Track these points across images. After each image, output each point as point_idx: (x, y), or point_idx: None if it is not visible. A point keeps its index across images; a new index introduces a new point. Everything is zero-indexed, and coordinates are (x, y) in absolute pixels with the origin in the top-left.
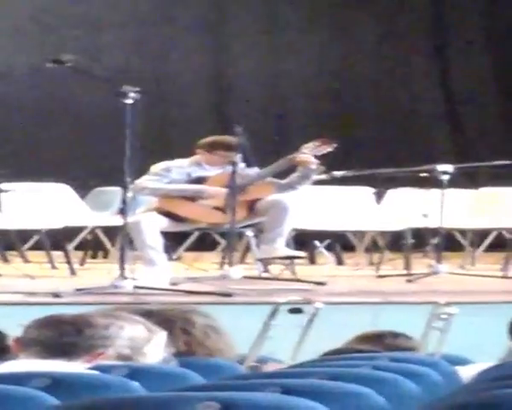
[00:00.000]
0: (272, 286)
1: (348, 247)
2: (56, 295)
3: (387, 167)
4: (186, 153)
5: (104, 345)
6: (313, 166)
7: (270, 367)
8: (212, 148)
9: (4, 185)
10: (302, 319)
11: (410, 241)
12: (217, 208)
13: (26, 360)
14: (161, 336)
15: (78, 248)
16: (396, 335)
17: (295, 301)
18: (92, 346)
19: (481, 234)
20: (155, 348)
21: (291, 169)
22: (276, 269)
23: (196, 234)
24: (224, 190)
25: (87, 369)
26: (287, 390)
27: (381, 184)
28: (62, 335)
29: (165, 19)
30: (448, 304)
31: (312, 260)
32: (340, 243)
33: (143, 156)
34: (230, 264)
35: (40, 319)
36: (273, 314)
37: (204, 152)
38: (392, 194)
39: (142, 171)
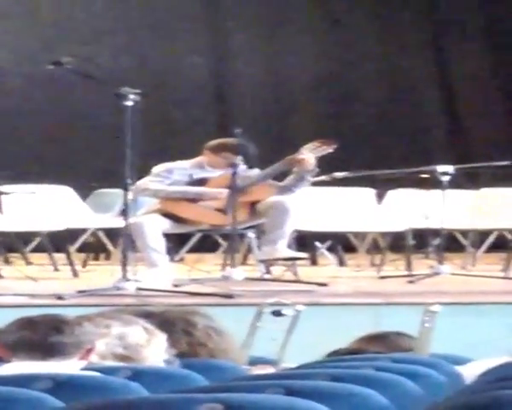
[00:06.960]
0: (274, 287)
1: (350, 248)
2: (59, 297)
3: (388, 168)
4: (187, 155)
5: (89, 340)
6: (309, 168)
7: (259, 369)
8: (217, 149)
9: (6, 187)
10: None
11: (412, 242)
12: (218, 210)
13: (21, 362)
14: (161, 338)
15: (80, 250)
16: (399, 335)
17: (278, 304)
18: (79, 343)
19: (482, 235)
20: (156, 351)
21: (290, 171)
22: (277, 270)
23: (198, 235)
24: (226, 192)
25: (84, 367)
26: (290, 392)
27: (382, 185)
28: (45, 335)
29: (165, 21)
30: (432, 304)
31: (314, 262)
32: (342, 244)
33: (144, 158)
34: (232, 265)
35: (13, 323)
36: (258, 317)
37: (209, 153)
38: (393, 195)
39: (143, 172)
